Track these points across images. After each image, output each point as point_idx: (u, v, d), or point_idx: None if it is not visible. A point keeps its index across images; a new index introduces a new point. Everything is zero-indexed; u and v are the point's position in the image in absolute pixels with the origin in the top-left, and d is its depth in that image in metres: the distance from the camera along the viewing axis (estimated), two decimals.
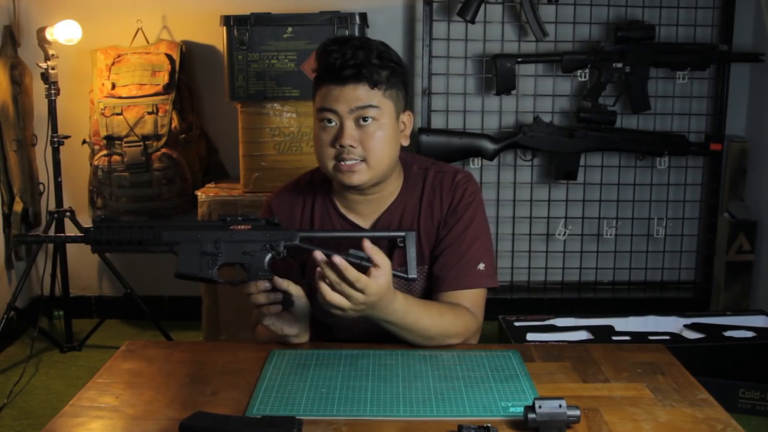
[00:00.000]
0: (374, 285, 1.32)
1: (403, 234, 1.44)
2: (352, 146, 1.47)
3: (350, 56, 1.45)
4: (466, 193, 1.59)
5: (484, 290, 1.57)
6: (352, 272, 1.30)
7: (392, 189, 1.59)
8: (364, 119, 1.47)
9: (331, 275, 1.31)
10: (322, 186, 1.61)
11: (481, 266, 1.55)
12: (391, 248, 1.53)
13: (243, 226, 1.39)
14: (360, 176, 1.49)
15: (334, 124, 1.48)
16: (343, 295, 1.32)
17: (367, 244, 1.33)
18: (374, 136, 1.48)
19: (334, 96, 1.47)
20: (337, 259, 1.30)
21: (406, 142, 1.57)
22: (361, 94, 1.46)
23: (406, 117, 1.57)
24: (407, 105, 1.58)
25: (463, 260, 1.55)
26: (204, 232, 1.38)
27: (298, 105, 2.92)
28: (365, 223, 1.59)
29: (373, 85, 1.47)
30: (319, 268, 1.32)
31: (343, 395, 1.25)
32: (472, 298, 1.54)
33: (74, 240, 1.41)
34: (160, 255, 1.44)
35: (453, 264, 1.55)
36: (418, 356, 1.42)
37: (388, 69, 1.49)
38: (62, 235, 1.41)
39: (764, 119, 3.28)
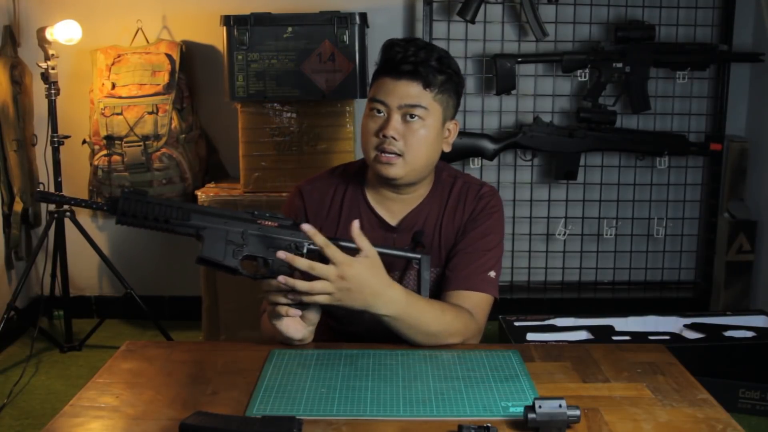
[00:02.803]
0: (348, 259, 1.35)
1: (419, 257, 1.48)
2: (394, 138, 1.51)
3: (411, 53, 1.51)
4: (488, 205, 1.63)
5: (490, 297, 1.59)
6: (320, 237, 1.36)
7: (422, 191, 1.64)
8: (411, 116, 1.52)
9: (301, 262, 1.35)
10: (355, 177, 1.65)
11: (491, 274, 1.58)
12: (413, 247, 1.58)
13: (270, 223, 1.40)
14: (396, 170, 1.54)
15: (382, 114, 1.54)
16: (319, 276, 1.34)
17: (355, 230, 1.38)
18: (417, 133, 1.52)
19: (388, 89, 1.53)
20: (305, 226, 1.36)
21: (447, 149, 1.62)
22: (413, 91, 1.52)
23: (452, 125, 1.61)
24: (455, 114, 1.62)
25: (474, 264, 1.58)
26: (231, 221, 1.38)
27: (298, 105, 2.92)
28: (392, 219, 1.63)
29: (427, 85, 1.52)
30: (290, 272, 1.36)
31: (343, 395, 1.25)
32: (476, 301, 1.56)
33: (100, 207, 1.38)
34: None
35: (464, 266, 1.58)
36: (418, 356, 1.42)
37: (444, 75, 1.54)
38: (88, 200, 1.38)
39: (764, 119, 3.28)
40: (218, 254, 1.37)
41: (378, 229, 1.61)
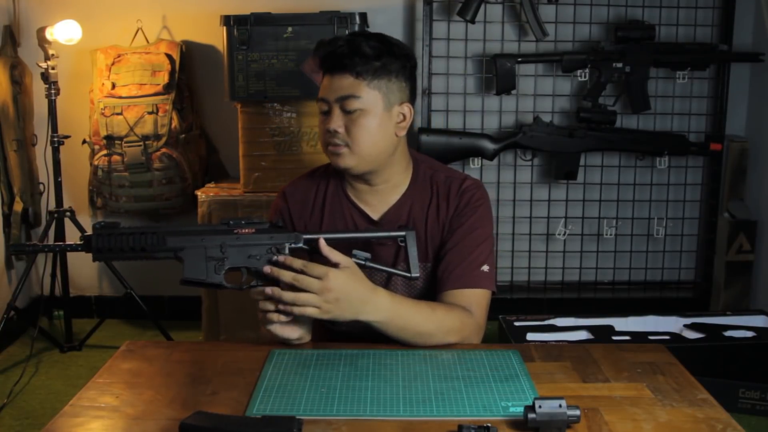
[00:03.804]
0: (331, 270, 1.36)
1: (403, 234, 1.47)
2: (336, 131, 1.54)
3: (337, 47, 1.53)
4: (472, 199, 1.62)
5: (487, 292, 1.58)
6: (297, 261, 1.37)
7: (398, 182, 1.63)
8: (347, 107, 1.53)
9: (285, 274, 1.36)
10: (336, 174, 1.66)
11: (485, 268, 1.57)
12: (399, 248, 1.57)
13: (247, 230, 1.39)
14: (344, 160, 1.56)
15: (326, 111, 1.56)
16: (304, 288, 1.35)
17: (324, 247, 1.39)
18: (357, 123, 1.54)
19: (325, 85, 1.57)
20: (281, 257, 1.38)
21: (400, 133, 1.60)
22: (345, 83, 1.53)
23: (405, 108, 1.60)
24: (411, 97, 1.61)
25: (466, 261, 1.57)
26: (208, 236, 1.38)
27: (298, 105, 2.92)
28: (374, 213, 1.63)
29: (357, 75, 1.53)
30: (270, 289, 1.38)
31: (343, 395, 1.25)
32: (474, 297, 1.55)
33: (74, 249, 1.40)
34: None
35: (456, 264, 1.57)
36: (418, 356, 1.42)
37: (380, 60, 1.54)
38: (61, 243, 1.40)
39: (764, 119, 3.28)
40: (200, 273, 1.37)
41: (362, 223, 1.63)
